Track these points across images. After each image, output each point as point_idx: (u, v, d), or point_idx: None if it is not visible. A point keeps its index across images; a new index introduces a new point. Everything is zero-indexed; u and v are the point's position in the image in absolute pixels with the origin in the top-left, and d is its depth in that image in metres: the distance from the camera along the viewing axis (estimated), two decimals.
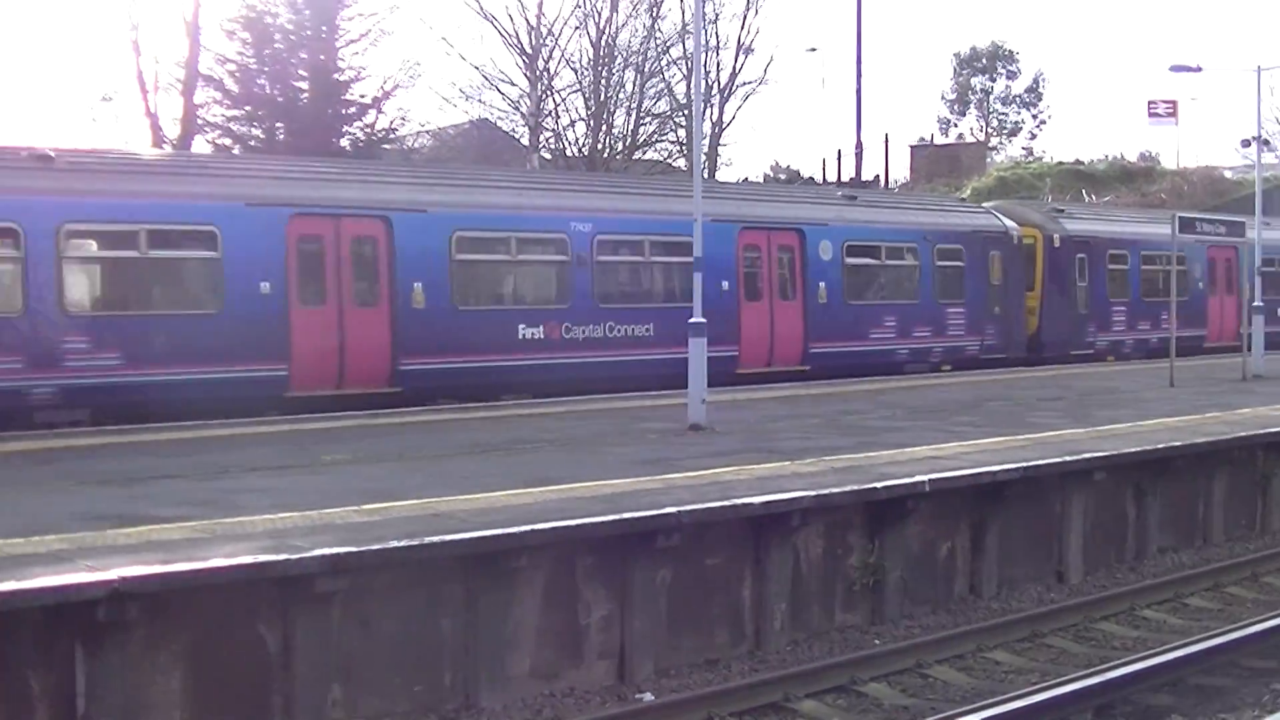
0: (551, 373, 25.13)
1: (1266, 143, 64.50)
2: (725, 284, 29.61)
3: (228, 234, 23.90)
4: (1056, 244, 38.26)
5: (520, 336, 26.86)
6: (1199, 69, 38.08)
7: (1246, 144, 62.37)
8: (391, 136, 50.07)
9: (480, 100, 57.62)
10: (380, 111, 48.85)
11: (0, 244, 21.99)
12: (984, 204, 42.66)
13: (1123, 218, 44.34)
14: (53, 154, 23.08)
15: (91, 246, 23.61)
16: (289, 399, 23.94)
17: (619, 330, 28.53)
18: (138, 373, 22.64)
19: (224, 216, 23.92)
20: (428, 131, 56.48)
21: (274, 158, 35.57)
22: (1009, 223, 37.36)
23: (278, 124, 45.93)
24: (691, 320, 21.70)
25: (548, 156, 57.14)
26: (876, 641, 15.91)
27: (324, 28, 46.81)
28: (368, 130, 48.44)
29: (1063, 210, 41.66)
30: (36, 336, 21.92)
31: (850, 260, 32.58)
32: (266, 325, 24.00)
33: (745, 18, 63.38)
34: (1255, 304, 33.73)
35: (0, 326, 21.68)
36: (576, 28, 58.16)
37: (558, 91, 58.61)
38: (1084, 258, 38.38)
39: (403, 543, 12.46)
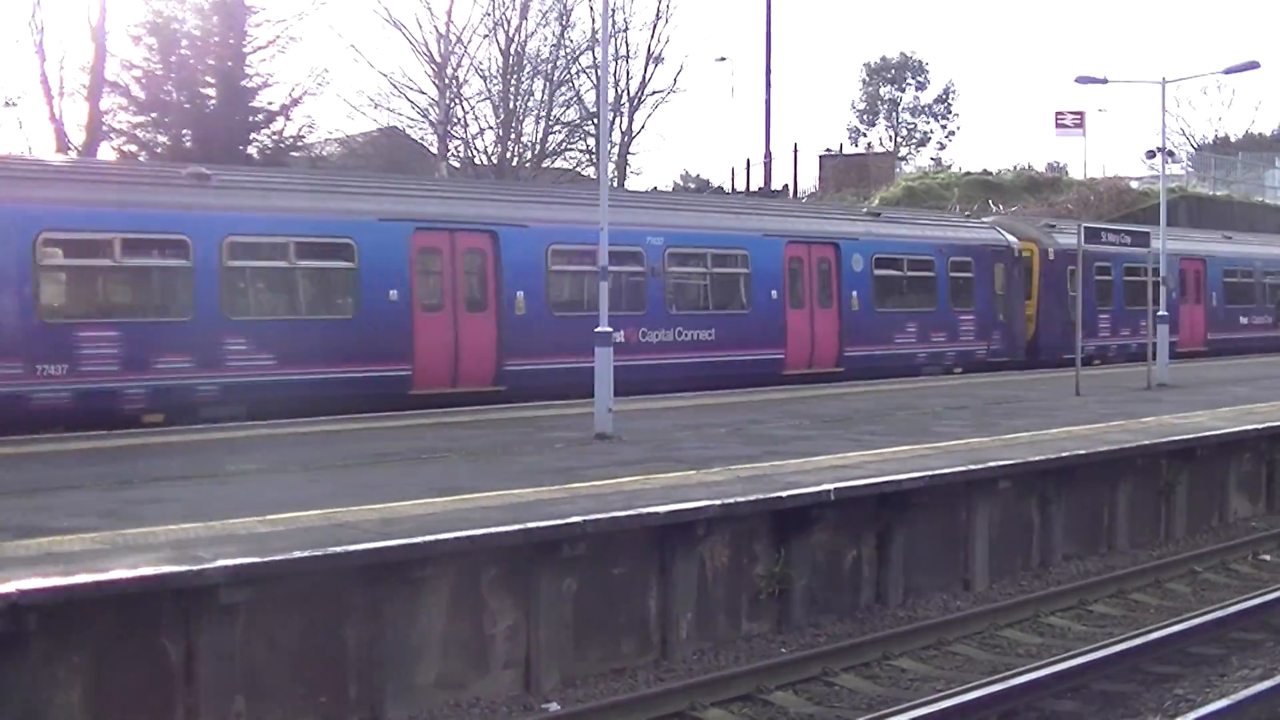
0: (630, 373, 26.15)
1: (1171, 154, 65.52)
2: (774, 293, 33.02)
3: (362, 246, 26.55)
4: (1051, 257, 41.34)
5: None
6: (1105, 80, 38.71)
7: (1152, 155, 63.38)
8: (299, 144, 49.81)
9: (389, 108, 57.70)
10: (288, 119, 48.57)
11: (173, 255, 24.55)
12: (984, 219, 45.02)
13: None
14: (209, 173, 26.19)
15: (249, 257, 25.64)
16: (411, 396, 26.51)
17: (686, 335, 31.49)
18: (287, 372, 25.13)
19: (359, 230, 26.55)
20: (336, 139, 56.32)
21: (398, 177, 38.19)
22: (1010, 237, 40.63)
23: (184, 131, 45.57)
24: (598, 330, 21.89)
25: (456, 165, 57.10)
26: (783, 650, 16.05)
27: (231, 34, 46.50)
28: (275, 137, 48.18)
29: (1055, 225, 44.09)
30: (203, 339, 24.43)
31: (878, 272, 35.53)
32: (393, 329, 26.60)
33: (655, 27, 63.91)
34: (1160, 313, 34.26)
35: (173, 330, 24.26)
36: (486, 36, 58.40)
37: (467, 99, 58.78)
38: (1074, 269, 39.40)
39: (306, 553, 12.55)
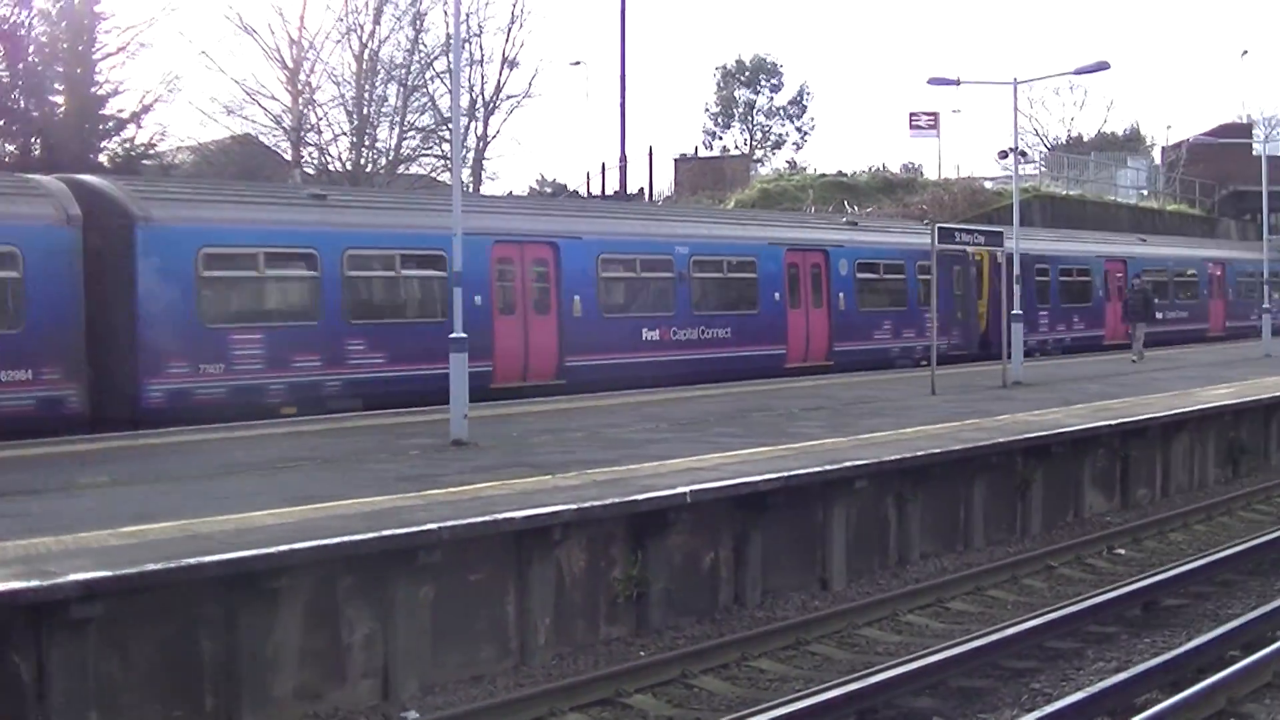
0: (663, 368, 30.94)
1: (1024, 154, 66.62)
2: (777, 295, 37.03)
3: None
4: (999, 260, 42.93)
5: (643, 338, 33.37)
6: (958, 82, 39.28)
7: (1004, 155, 64.21)
8: (151, 152, 49.23)
9: (242, 115, 57.07)
10: (139, 126, 47.88)
11: (305, 266, 27.78)
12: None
13: (1045, 237, 51.69)
14: (324, 193, 30.72)
15: (364, 268, 29.24)
16: (492, 389, 29.24)
17: (708, 333, 35.40)
18: (395, 369, 28.53)
19: (450, 243, 25.89)
20: (189, 147, 55.77)
21: (477, 196, 43.79)
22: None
23: (33, 139, 44.95)
24: (452, 336, 22.06)
25: (310, 172, 56.73)
26: (642, 653, 16.22)
27: (80, 41, 45.84)
28: (127, 145, 47.59)
29: (1000, 232, 44.23)
30: (329, 340, 27.73)
31: (860, 275, 39.29)
32: (478, 330, 27.96)
33: (510, 31, 63.93)
34: (1014, 312, 34.88)
35: (305, 332, 27.40)
36: (339, 41, 58.09)
37: (320, 106, 58.43)
38: (1020, 272, 41.04)
39: (159, 566, 12.58)
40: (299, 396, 26.97)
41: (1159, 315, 50.43)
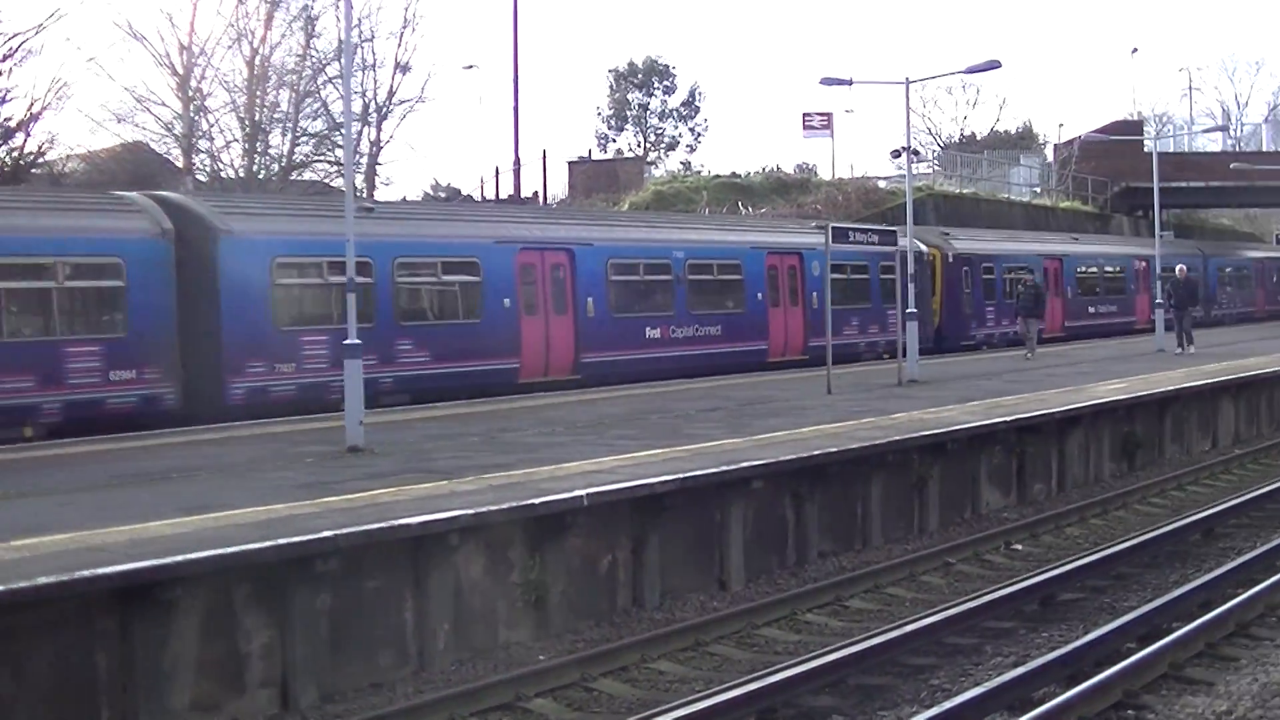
0: (662, 363, 33.50)
1: (916, 153, 67.23)
2: (759, 295, 40.05)
3: (485, 263, 33.19)
4: (950, 260, 50.00)
5: (646, 336, 36.04)
6: (850, 82, 39.55)
7: (897, 154, 64.75)
8: (40, 160, 48.72)
9: (133, 122, 56.63)
10: (28, 134, 47.48)
11: (361, 273, 27.29)
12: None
13: (990, 238, 56.42)
14: (371, 206, 35.03)
15: (410, 275, 32.10)
16: (519, 384, 32.81)
17: (701, 331, 38.59)
18: (438, 367, 31.50)
19: (482, 251, 33.28)
20: (79, 155, 55.22)
21: (503, 206, 47.12)
22: (920, 245, 46.10)
23: None
24: (346, 342, 22.14)
25: (203, 179, 56.35)
26: (541, 657, 16.27)
27: None
28: (15, 154, 47.08)
29: (949, 233, 52.75)
30: (382, 341, 30.10)
31: (832, 276, 38.16)
32: (507, 330, 33.17)
33: (402, 36, 64.06)
34: (909, 310, 35.22)
35: (362, 334, 25.80)
36: (230, 47, 57.65)
37: (212, 112, 58.03)
38: (968, 270, 50.46)
39: (53, 578, 12.54)
40: None
41: (1091, 309, 56.37)
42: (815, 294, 41.49)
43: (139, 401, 26.64)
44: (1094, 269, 61.89)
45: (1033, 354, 43.35)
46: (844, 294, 42.15)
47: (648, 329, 35.99)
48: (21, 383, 25.21)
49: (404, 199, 60.35)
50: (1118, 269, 63.39)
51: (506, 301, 33.25)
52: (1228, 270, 76.07)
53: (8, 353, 25.29)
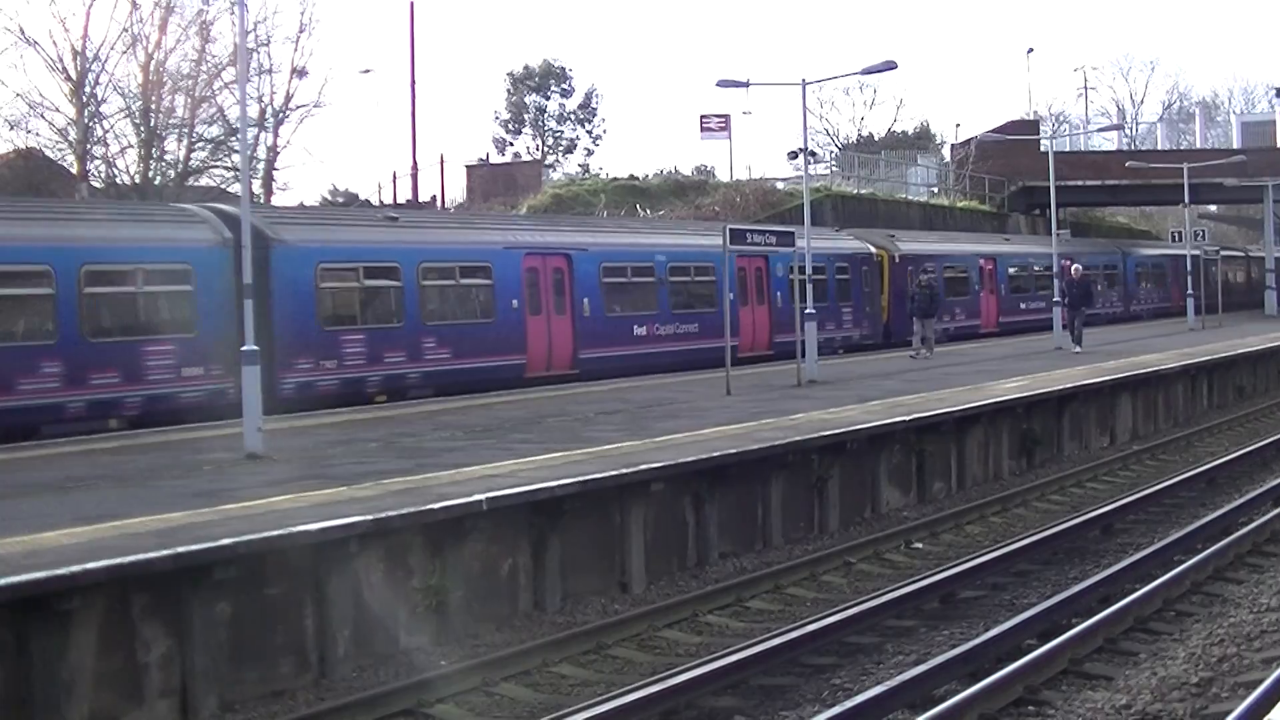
0: (649, 359, 35.24)
1: (814, 154, 67.62)
2: (731, 295, 38.96)
3: (496, 268, 35.99)
4: (897, 260, 53.58)
5: (634, 333, 38.19)
6: (747, 84, 39.88)
7: (794, 156, 65.05)
8: None
9: (26, 129, 55.93)
10: None
11: (391, 277, 33.36)
12: (844, 231, 55.67)
13: (932, 240, 61.16)
14: (396, 215, 38.73)
15: (433, 278, 34.55)
16: (525, 379, 35.47)
17: (681, 329, 41.24)
18: (458, 363, 34.12)
19: (493, 256, 36.15)
20: None
21: (510, 216, 49.07)
22: (870, 247, 52.55)
23: None
24: (244, 349, 22.04)
25: (99, 185, 55.80)
26: (442, 663, 16.28)
27: None
28: None
29: (894, 235, 56.91)
30: (409, 339, 33.17)
31: (792, 277, 42.60)
32: (515, 329, 36.03)
33: (298, 40, 63.43)
34: (808, 311, 35.45)
35: (390, 334, 32.84)
36: (124, 52, 57.04)
37: (107, 118, 57.36)
38: (912, 269, 52.04)
39: None
40: (388, 386, 32.64)
41: (1022, 305, 59.74)
42: (779, 294, 45.25)
43: (205, 396, 28.70)
44: (1024, 268, 64.68)
45: (931, 353, 43.88)
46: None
47: (635, 327, 38.33)
48: (109, 379, 27.37)
49: (301, 204, 59.92)
50: (1045, 268, 64.56)
51: (514, 303, 36.13)
52: (1145, 267, 78.29)
53: (96, 352, 27.39)
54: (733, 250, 34.10)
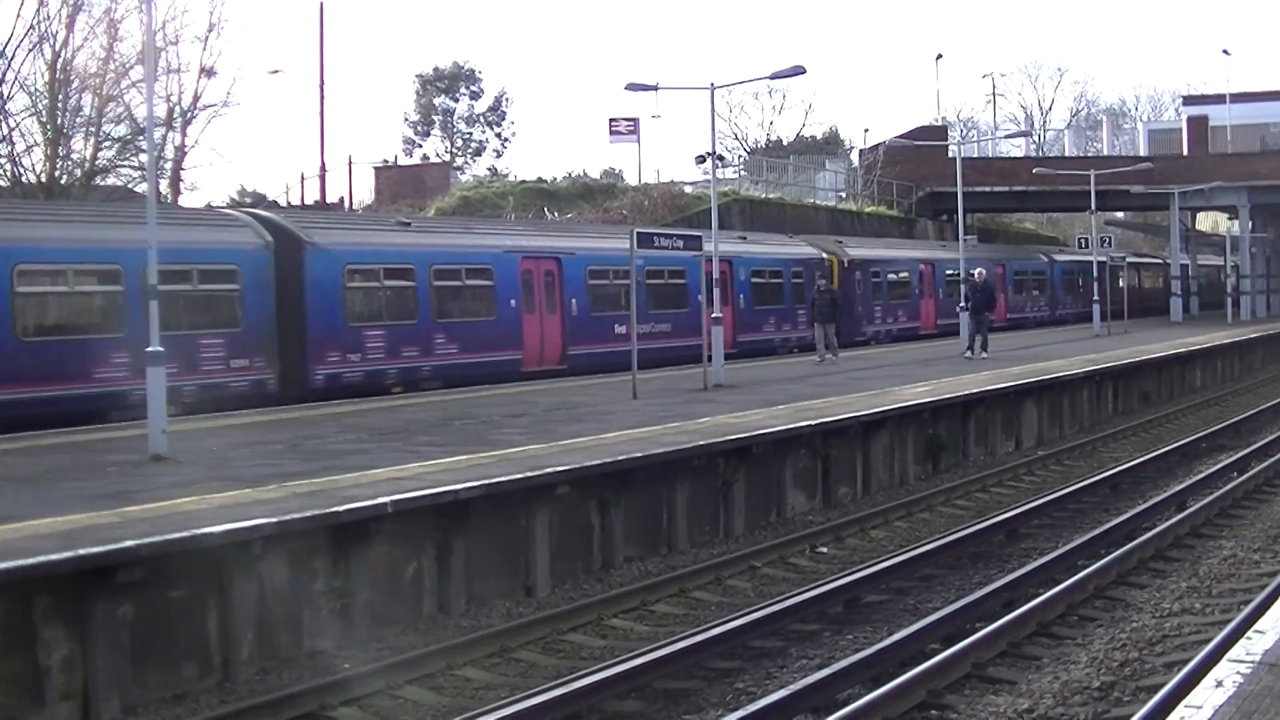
0: (628, 356, 34.29)
1: (721, 158, 67.95)
2: (699, 296, 42.24)
3: (496, 270, 39.11)
4: (846, 265, 56.63)
5: (616, 332, 39.85)
6: (656, 88, 40.20)
7: (701, 160, 65.46)
8: None
9: None
10: None
11: (407, 278, 36.51)
12: (797, 236, 58.95)
13: (877, 245, 65.09)
14: (408, 221, 41.81)
15: (443, 279, 37.55)
16: (521, 373, 38.40)
17: (657, 328, 43.64)
18: (464, 357, 37.12)
19: (495, 259, 39.22)
20: None
21: (507, 223, 50.81)
22: (821, 252, 55.90)
23: None
24: (150, 349, 22.02)
25: (4, 184, 55.29)
26: (346, 665, 16.29)
27: None
28: None
29: (843, 241, 59.83)
30: (423, 335, 36.30)
31: (753, 280, 48.73)
32: (513, 326, 39.16)
33: (207, 40, 63.24)
34: (715, 315, 35.66)
35: (408, 329, 35.98)
36: (31, 49, 56.49)
37: (12, 116, 56.80)
38: (860, 274, 57.52)
39: None
40: (404, 379, 35.44)
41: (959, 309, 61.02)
42: (741, 296, 49.15)
43: (249, 385, 31.96)
44: (957, 274, 64.17)
45: (833, 357, 44.18)
46: (764, 296, 51.26)
47: (616, 326, 40.11)
48: (168, 369, 26.76)
49: (207, 205, 59.77)
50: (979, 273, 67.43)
51: (512, 302, 39.22)
52: (1072, 274, 79.47)
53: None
54: (698, 255, 36.44)
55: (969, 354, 45.25)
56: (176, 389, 27.80)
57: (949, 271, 64.57)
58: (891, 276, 61.32)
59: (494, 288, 38.96)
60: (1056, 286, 77.77)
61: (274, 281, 32.94)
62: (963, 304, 49.75)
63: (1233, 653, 10.70)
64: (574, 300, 41.54)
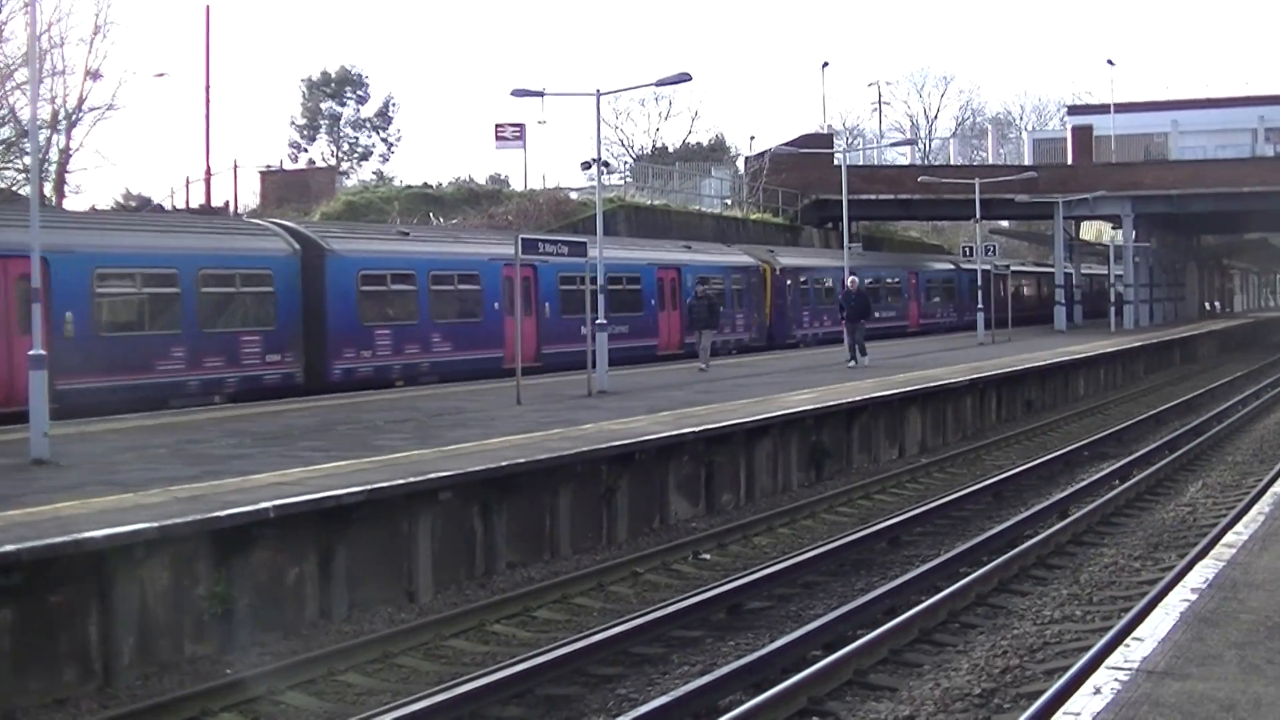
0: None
1: (607, 165, 68.13)
2: (653, 300, 51.60)
3: (483, 276, 43.09)
4: (778, 272, 61.23)
5: (580, 333, 39.32)
6: (542, 94, 40.49)
7: (587, 166, 65.58)
8: None
9: None
10: None
11: (408, 283, 40.35)
12: (734, 246, 63.73)
13: (806, 255, 69.82)
14: (407, 231, 46.12)
15: (439, 284, 41.50)
16: (502, 369, 39.80)
17: (617, 330, 44.48)
18: (456, 355, 41.07)
19: (481, 267, 43.14)
20: None
21: (493, 233, 52.15)
22: (756, 261, 60.57)
23: None
24: (31, 353, 21.96)
25: None
26: (228, 671, 16.34)
27: None
28: None
29: (774, 251, 64.87)
30: (422, 334, 40.29)
31: (698, 287, 49.80)
32: (497, 327, 42.37)
33: (92, 43, 62.74)
34: (599, 321, 35.82)
35: (409, 329, 39.89)
36: None
37: None
38: (790, 281, 62.26)
39: None
40: (406, 374, 39.38)
41: (877, 315, 63.31)
42: (689, 300, 50.45)
43: (280, 378, 35.98)
44: (878, 281, 70.95)
45: (706, 366, 44.12)
46: (710, 301, 53.04)
47: (581, 328, 39.99)
48: (216, 362, 34.29)
49: (93, 207, 59.51)
50: (897, 280, 74.95)
51: (496, 305, 42.66)
52: (975, 281, 79.35)
53: (207, 340, 34.11)
54: (654, 263, 41.68)
55: (852, 363, 45.56)
56: (221, 380, 34.23)
57: (869, 279, 66.91)
58: (817, 285, 64.88)
59: (481, 292, 42.91)
60: (963, 294, 78.74)
61: (301, 285, 36.91)
62: (840, 313, 50.38)
63: (1111, 660, 11.00)
64: (547, 304, 45.09)
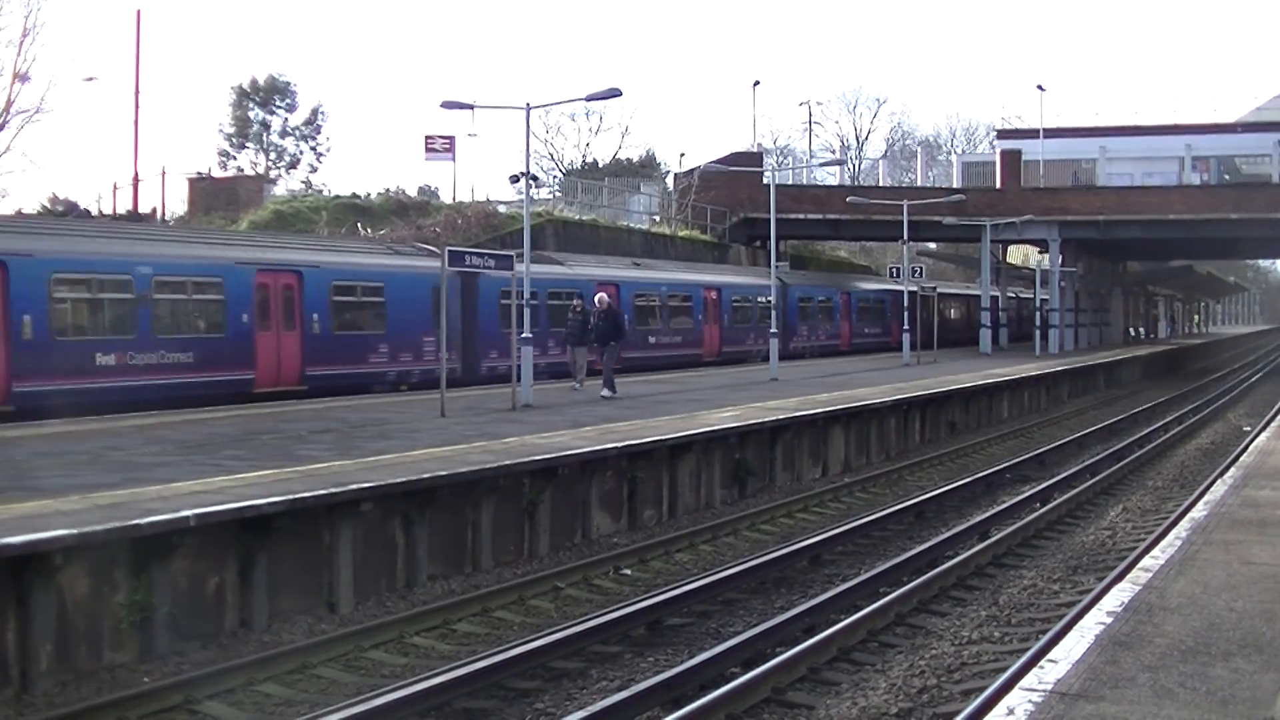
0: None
1: (535, 179, 68.20)
2: (700, 315, 60.13)
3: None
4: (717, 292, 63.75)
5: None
6: (472, 106, 40.18)
7: (515, 179, 65.58)
8: None
9: None
10: None
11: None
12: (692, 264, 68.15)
13: (746, 274, 70.25)
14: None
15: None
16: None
17: (671, 339, 55.48)
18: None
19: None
20: None
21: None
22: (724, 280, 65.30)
23: None
24: None
25: None
26: (146, 680, 16.36)
27: None
28: None
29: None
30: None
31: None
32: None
33: (21, 45, 62.80)
34: (524, 335, 35.86)
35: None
36: None
37: None
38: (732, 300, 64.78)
39: None
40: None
41: (866, 330, 73.19)
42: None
43: (396, 374, 42.97)
44: (809, 300, 74.12)
45: (581, 386, 41.74)
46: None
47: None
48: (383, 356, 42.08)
49: (18, 211, 59.14)
50: (824, 300, 76.39)
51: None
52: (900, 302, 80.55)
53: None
54: (701, 284, 46.52)
55: (577, 386, 42.07)
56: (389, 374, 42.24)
57: (802, 299, 72.73)
58: (763, 303, 64.36)
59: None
60: (896, 315, 78.98)
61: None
62: (590, 334, 42.22)
63: (1026, 681, 11.18)
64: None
